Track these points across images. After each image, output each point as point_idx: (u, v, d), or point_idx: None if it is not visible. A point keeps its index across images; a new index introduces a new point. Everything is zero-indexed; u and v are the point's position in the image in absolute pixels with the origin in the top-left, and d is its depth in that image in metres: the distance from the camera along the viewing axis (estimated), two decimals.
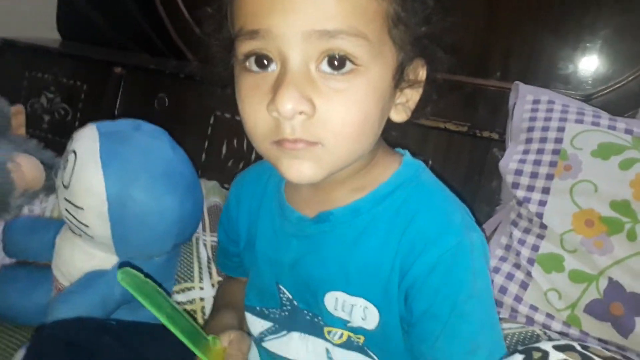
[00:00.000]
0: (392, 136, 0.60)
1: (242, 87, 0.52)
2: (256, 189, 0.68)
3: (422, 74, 0.56)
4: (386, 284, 0.55)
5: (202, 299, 0.91)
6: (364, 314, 0.57)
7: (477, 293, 0.54)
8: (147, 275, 0.61)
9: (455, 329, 0.53)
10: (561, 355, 0.56)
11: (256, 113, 0.50)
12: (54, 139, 1.52)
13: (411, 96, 0.56)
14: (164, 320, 0.56)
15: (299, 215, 0.61)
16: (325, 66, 0.48)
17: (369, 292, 0.57)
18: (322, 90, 0.48)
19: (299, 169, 0.50)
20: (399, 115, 0.56)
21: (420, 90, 0.57)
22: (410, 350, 0.57)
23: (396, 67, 0.52)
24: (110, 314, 0.81)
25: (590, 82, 1.11)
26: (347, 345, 0.60)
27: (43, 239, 0.93)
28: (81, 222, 0.81)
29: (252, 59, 0.50)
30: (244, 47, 0.50)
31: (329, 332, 0.60)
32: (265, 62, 0.50)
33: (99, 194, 0.78)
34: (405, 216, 0.55)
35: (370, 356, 0.59)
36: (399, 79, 0.53)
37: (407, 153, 0.61)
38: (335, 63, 0.48)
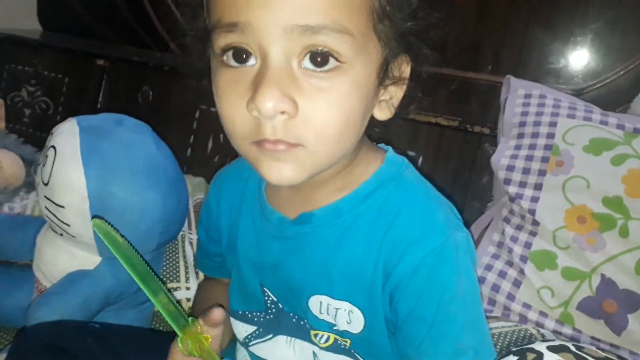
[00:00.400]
0: (381, 130, 0.57)
1: (220, 83, 0.49)
2: (237, 187, 0.66)
3: (407, 70, 0.54)
4: (370, 286, 0.54)
5: (188, 299, 0.88)
6: (348, 317, 0.56)
7: (462, 294, 0.52)
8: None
9: (440, 331, 0.52)
10: (555, 356, 0.55)
11: (235, 111, 0.47)
12: (34, 134, 1.48)
13: (395, 93, 0.54)
14: (136, 278, 0.54)
15: (279, 216, 0.59)
16: (307, 62, 0.46)
17: (353, 296, 0.55)
18: (304, 89, 0.46)
19: (280, 171, 0.48)
20: (382, 113, 0.54)
21: (404, 87, 0.55)
22: (398, 352, 0.56)
23: (380, 64, 0.50)
24: (93, 316, 0.78)
25: (581, 76, 1.11)
26: (334, 348, 0.58)
27: (24, 238, 0.90)
28: (62, 221, 0.79)
29: (230, 53, 0.47)
30: (222, 40, 0.47)
31: (316, 335, 0.59)
32: (244, 55, 0.47)
33: (80, 191, 0.75)
34: (388, 216, 0.54)
35: (357, 359, 0.58)
36: (383, 76, 0.51)
37: (390, 149, 0.59)
38: (318, 59, 0.46)
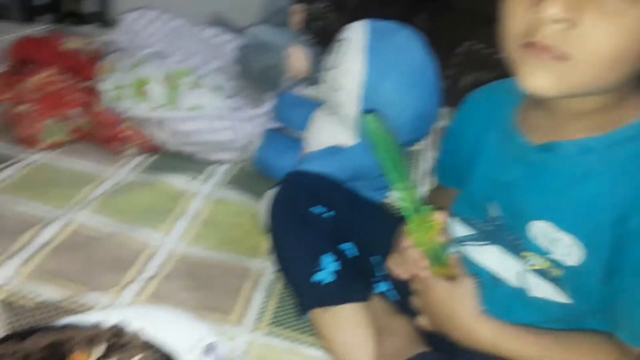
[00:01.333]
0: None
1: None
2: (487, 108, 0.68)
3: None
4: (600, 227, 0.54)
5: None
6: (568, 249, 0.56)
7: None
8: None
9: None
10: None
11: (516, 10, 0.49)
12: (321, 41, 1.71)
13: None
14: (388, 165, 0.59)
15: (525, 140, 0.60)
16: None
17: (579, 230, 0.55)
18: (594, 6, 0.45)
19: (538, 78, 0.49)
20: None
21: None
22: (603, 296, 0.56)
23: None
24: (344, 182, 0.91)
25: None
26: (543, 273, 0.60)
27: (302, 113, 1.10)
28: (336, 102, 0.94)
29: None
30: None
31: (527, 257, 0.61)
32: None
33: (358, 77, 0.89)
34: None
35: (561, 292, 0.59)
36: None
37: None
38: None
